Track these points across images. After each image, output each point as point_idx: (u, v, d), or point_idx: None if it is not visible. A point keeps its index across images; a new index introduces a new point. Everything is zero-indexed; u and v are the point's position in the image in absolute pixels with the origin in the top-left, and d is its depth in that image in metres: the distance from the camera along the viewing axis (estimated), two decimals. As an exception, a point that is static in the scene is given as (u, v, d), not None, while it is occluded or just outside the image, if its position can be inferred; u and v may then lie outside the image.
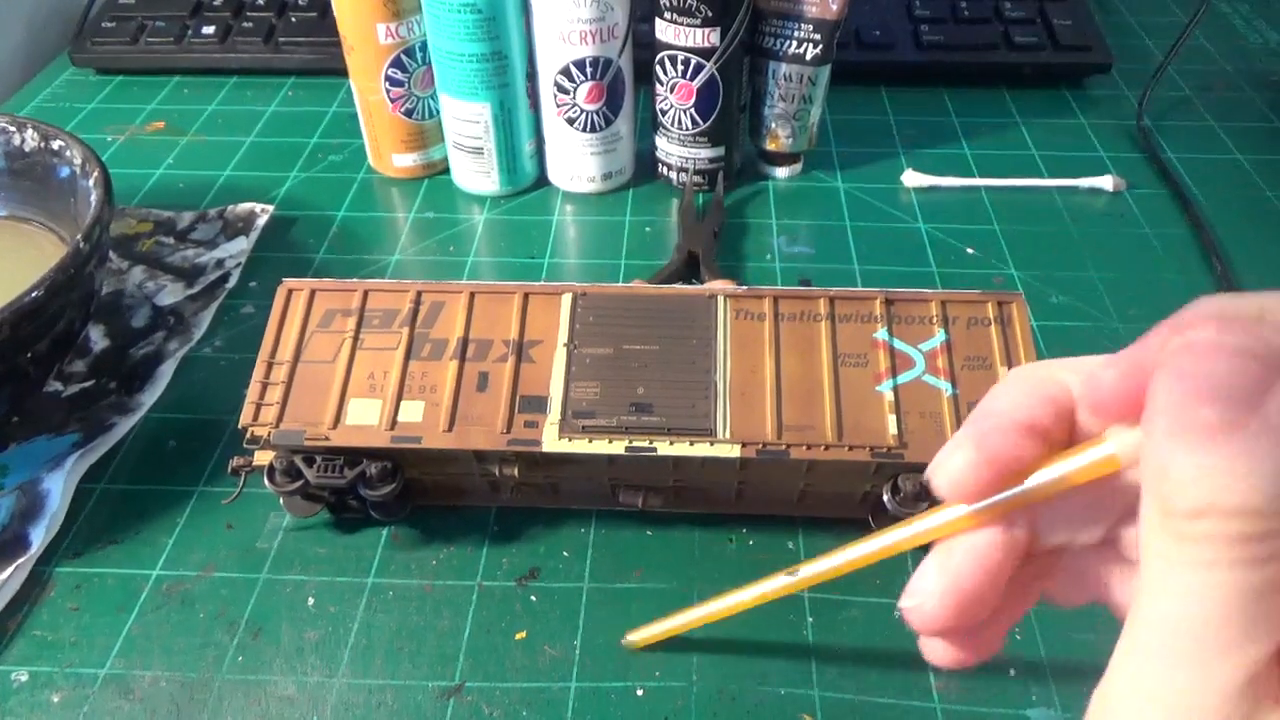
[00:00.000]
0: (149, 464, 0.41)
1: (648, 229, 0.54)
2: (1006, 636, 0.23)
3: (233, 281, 0.51)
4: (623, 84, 0.53)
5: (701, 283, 0.48)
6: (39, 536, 0.38)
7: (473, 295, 0.38)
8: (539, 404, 0.35)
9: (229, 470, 0.37)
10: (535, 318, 0.37)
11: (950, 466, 0.20)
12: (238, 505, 0.39)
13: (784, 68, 0.53)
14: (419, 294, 0.38)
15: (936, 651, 0.22)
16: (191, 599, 0.36)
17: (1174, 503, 0.16)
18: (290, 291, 0.38)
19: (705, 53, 0.51)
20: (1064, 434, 0.20)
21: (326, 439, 0.35)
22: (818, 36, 0.51)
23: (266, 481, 0.35)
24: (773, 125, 0.55)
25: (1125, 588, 0.22)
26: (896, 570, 0.37)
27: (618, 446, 0.34)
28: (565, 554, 0.38)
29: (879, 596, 0.36)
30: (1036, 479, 0.20)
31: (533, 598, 0.36)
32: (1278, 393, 0.15)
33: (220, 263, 0.52)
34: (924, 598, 0.21)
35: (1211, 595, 0.16)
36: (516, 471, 0.36)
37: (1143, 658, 0.17)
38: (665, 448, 0.34)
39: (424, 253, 0.53)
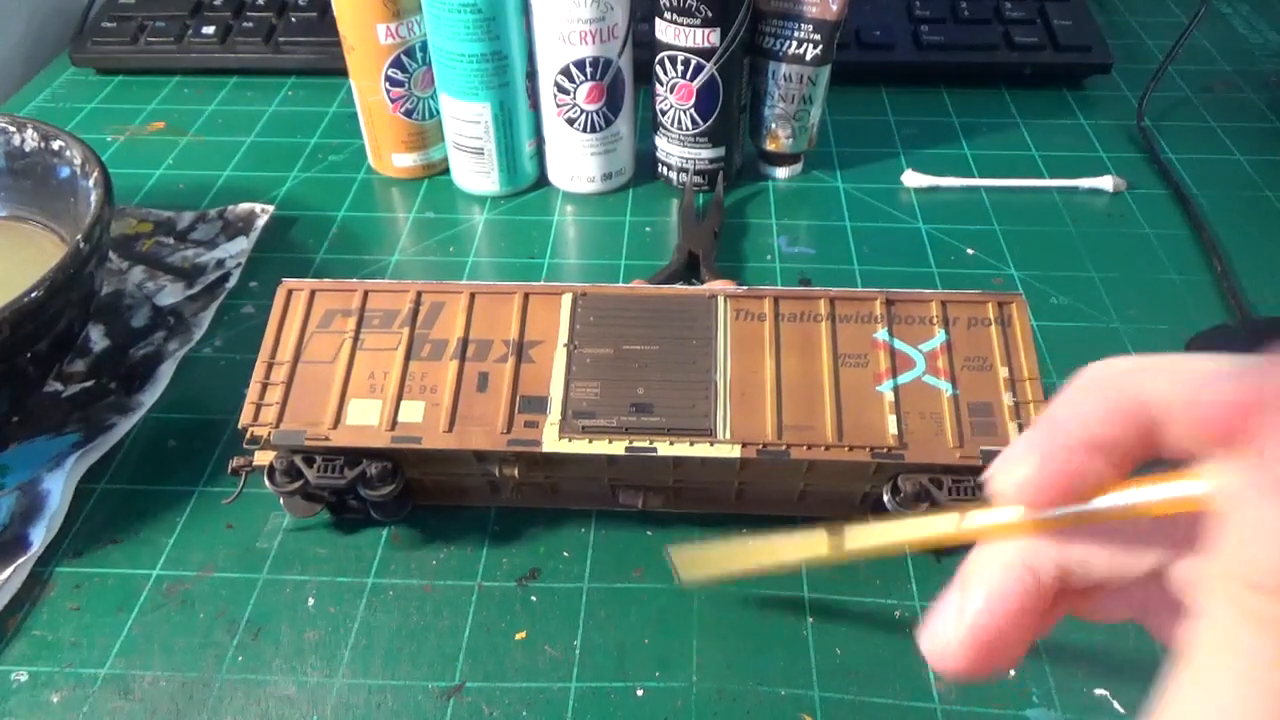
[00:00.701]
0: (149, 464, 0.41)
1: (648, 229, 0.54)
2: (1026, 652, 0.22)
3: (233, 282, 0.51)
4: (623, 84, 0.53)
5: (702, 283, 0.48)
6: (39, 536, 0.38)
7: (473, 295, 0.38)
8: (539, 404, 0.35)
9: (229, 470, 0.37)
10: (535, 318, 0.37)
11: (1011, 477, 0.19)
12: (238, 505, 0.39)
13: (784, 68, 0.53)
14: (419, 294, 0.38)
15: (949, 671, 0.21)
16: (191, 599, 0.36)
17: (1255, 571, 0.14)
18: (290, 292, 0.38)
19: (705, 53, 0.51)
20: (1145, 451, 0.18)
21: (327, 439, 0.35)
22: (818, 37, 0.51)
23: (266, 482, 0.35)
24: (773, 125, 0.55)
25: (1166, 624, 0.20)
26: (897, 571, 0.37)
27: (618, 447, 0.34)
28: (565, 554, 0.38)
29: (879, 597, 0.36)
30: (1106, 501, 0.18)
31: (533, 598, 0.36)
32: None
33: (220, 263, 0.52)
34: (944, 644, 0.20)
35: (1272, 703, 0.14)
36: (516, 472, 0.36)
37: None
38: (665, 448, 0.34)
39: (424, 253, 0.53)
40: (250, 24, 0.68)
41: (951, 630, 0.20)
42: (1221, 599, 0.15)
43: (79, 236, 0.39)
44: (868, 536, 0.24)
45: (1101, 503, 0.18)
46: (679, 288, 0.38)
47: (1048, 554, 0.19)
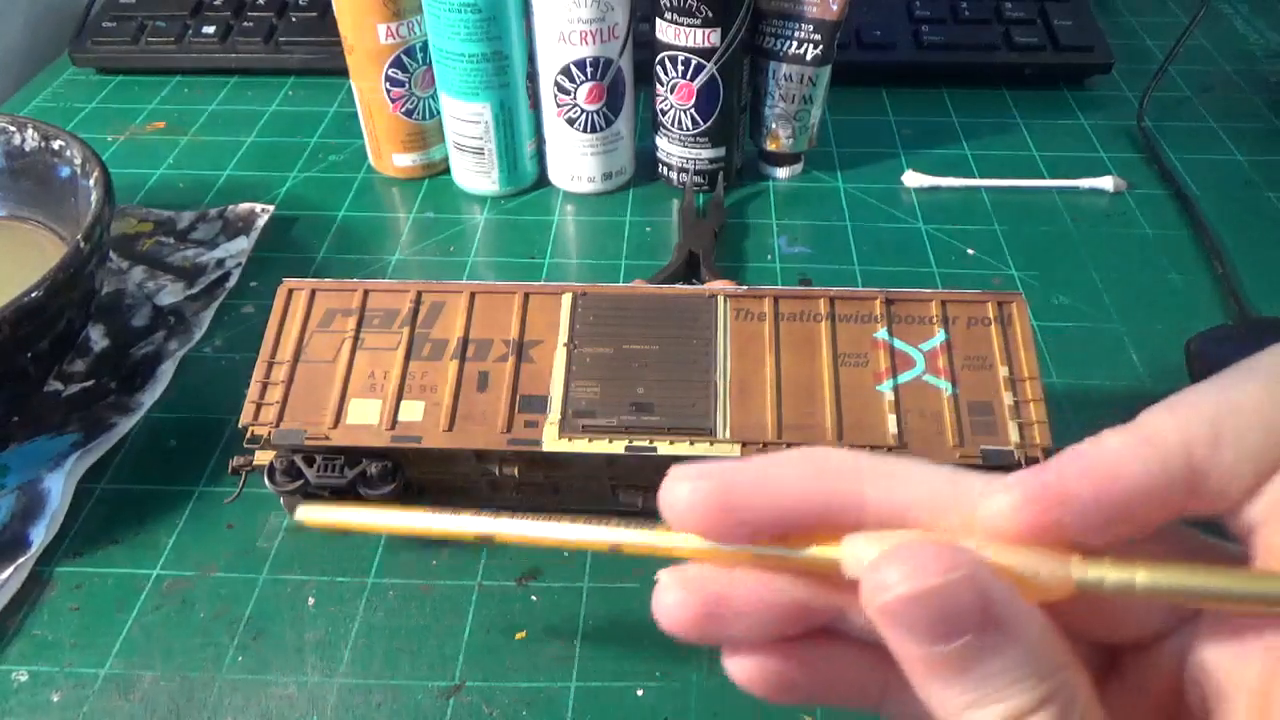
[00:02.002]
0: (149, 464, 0.41)
1: (648, 229, 0.54)
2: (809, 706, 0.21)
3: (233, 281, 0.51)
4: (623, 84, 0.53)
5: (702, 283, 0.48)
6: (39, 536, 0.38)
7: (473, 295, 0.38)
8: (539, 403, 0.35)
9: (229, 470, 0.37)
10: (535, 317, 0.37)
11: (680, 501, 0.19)
12: (238, 505, 0.39)
13: (784, 68, 0.53)
14: (419, 294, 0.38)
15: (734, 667, 0.21)
16: (192, 599, 0.36)
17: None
18: (290, 291, 0.38)
19: (705, 53, 0.51)
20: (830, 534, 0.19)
21: (327, 438, 0.35)
22: (818, 37, 0.51)
23: (267, 481, 0.35)
24: (773, 125, 0.55)
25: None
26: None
27: (618, 446, 0.34)
28: (565, 554, 0.38)
29: (879, 596, 0.36)
30: (764, 550, 0.19)
31: (532, 597, 0.36)
32: (997, 599, 0.16)
33: (220, 262, 0.52)
34: (672, 587, 0.20)
35: None
36: (516, 471, 0.36)
37: None
38: (665, 447, 0.34)
39: (424, 253, 0.53)
40: (250, 24, 0.68)
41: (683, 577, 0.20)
42: None
43: (79, 236, 0.39)
44: (522, 530, 0.23)
45: (761, 549, 0.19)
46: (679, 287, 0.38)
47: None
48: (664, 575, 0.20)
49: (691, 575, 0.20)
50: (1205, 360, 0.42)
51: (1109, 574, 0.17)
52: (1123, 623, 0.20)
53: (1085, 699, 0.17)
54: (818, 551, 0.19)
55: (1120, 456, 0.17)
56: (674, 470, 0.19)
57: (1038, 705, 0.16)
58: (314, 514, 0.28)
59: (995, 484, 0.18)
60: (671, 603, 0.20)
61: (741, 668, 0.21)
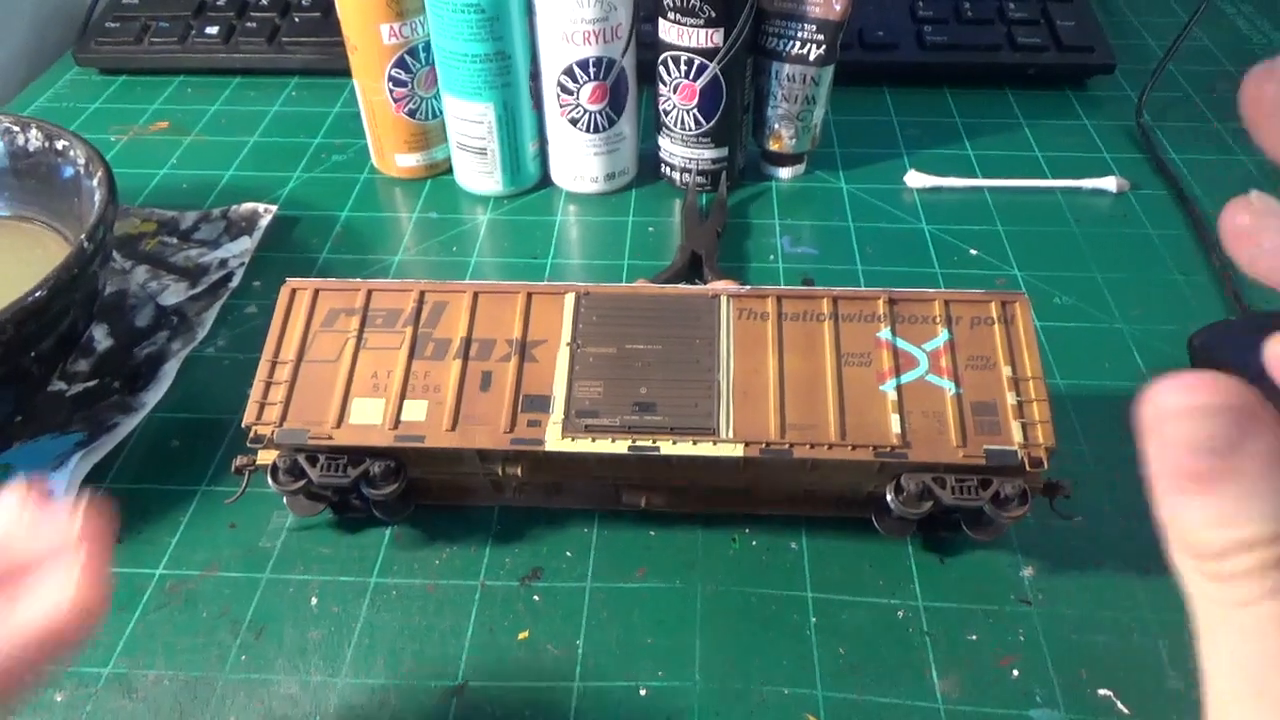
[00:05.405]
0: (152, 463, 0.42)
1: (651, 229, 0.54)
2: None
3: (236, 281, 0.51)
4: (626, 84, 0.53)
5: (705, 283, 0.48)
6: (43, 535, 0.38)
7: (476, 295, 0.38)
8: (542, 403, 0.35)
9: (232, 469, 0.37)
10: (538, 317, 0.37)
11: None
12: (241, 504, 0.39)
13: (787, 68, 0.53)
14: (422, 294, 0.38)
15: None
16: (195, 598, 0.36)
17: (1199, 549, 0.17)
18: (294, 291, 0.38)
19: (708, 53, 0.51)
20: None
21: (330, 438, 0.35)
22: (821, 37, 0.51)
23: (270, 481, 0.35)
24: (776, 126, 0.55)
25: None
26: (900, 571, 0.37)
27: (621, 446, 0.34)
28: (568, 554, 0.38)
29: (882, 597, 0.36)
30: None
31: (535, 597, 0.36)
32: (1252, 433, 0.17)
33: (224, 262, 0.52)
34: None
35: (1264, 629, 0.16)
36: (519, 471, 0.36)
37: (1224, 710, 0.17)
38: (668, 447, 0.34)
39: (427, 253, 0.53)
40: (253, 24, 0.68)
41: None
42: (1195, 582, 0.18)
43: (83, 236, 0.39)
44: None
45: None
46: (682, 287, 0.38)
47: None
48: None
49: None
50: (1208, 357, 0.42)
51: None
52: None
53: None
54: None
55: None
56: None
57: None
58: None
59: None
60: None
61: None
